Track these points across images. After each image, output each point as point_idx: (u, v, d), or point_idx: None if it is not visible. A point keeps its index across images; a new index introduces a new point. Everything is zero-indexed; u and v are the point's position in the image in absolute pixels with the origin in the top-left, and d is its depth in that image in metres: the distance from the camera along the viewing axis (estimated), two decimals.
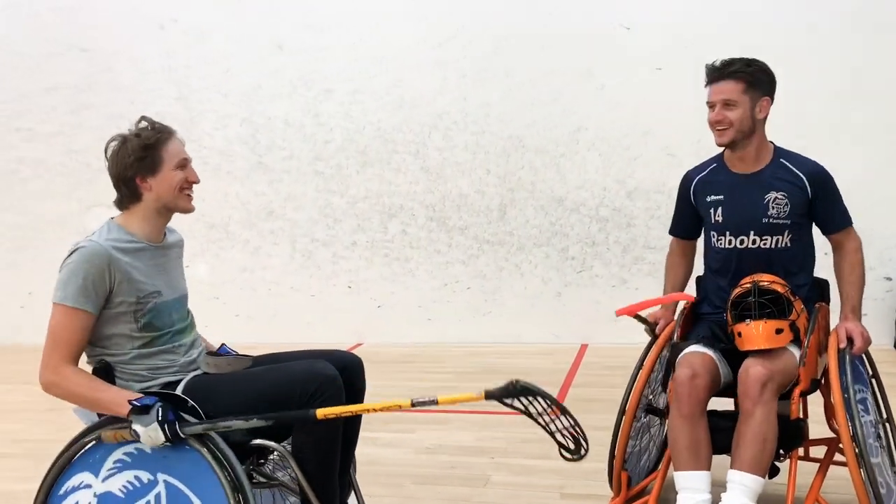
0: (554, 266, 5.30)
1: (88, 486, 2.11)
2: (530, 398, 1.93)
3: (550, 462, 3.09)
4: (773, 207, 2.49)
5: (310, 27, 5.44)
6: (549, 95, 5.17)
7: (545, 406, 1.93)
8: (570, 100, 5.14)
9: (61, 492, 2.12)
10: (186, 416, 2.08)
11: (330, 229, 5.60)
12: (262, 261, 5.65)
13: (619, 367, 2.79)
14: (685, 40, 4.89)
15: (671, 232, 2.83)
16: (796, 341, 2.37)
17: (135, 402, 2.03)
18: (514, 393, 1.94)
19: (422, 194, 5.45)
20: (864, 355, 2.52)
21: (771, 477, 2.38)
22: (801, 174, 2.48)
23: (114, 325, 2.15)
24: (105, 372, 2.17)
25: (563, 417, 1.95)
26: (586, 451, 1.99)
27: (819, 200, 2.48)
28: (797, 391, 2.33)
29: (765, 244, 2.51)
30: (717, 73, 2.49)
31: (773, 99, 2.51)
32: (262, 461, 2.32)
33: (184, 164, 2.23)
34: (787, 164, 2.50)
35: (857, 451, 2.16)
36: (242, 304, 5.60)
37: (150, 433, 2.01)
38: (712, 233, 2.61)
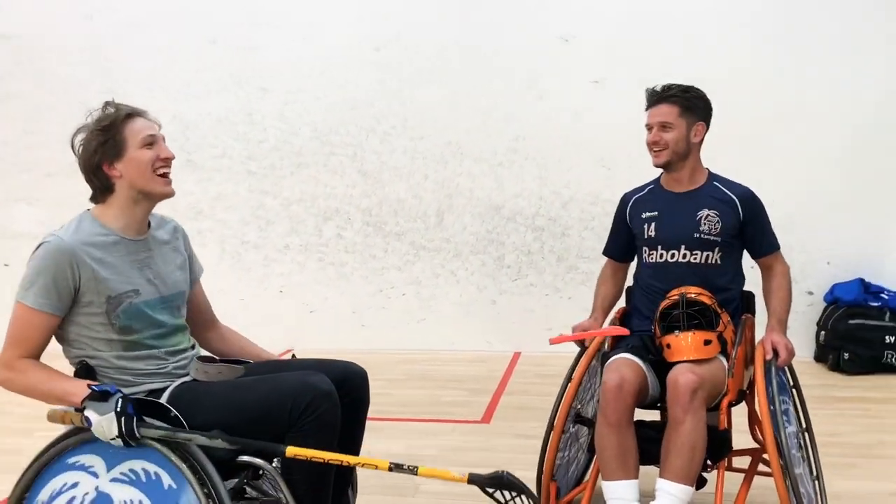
0: (490, 274, 5.31)
1: (79, 484, 1.92)
2: (514, 494, 1.85)
3: (480, 470, 3.06)
4: (704, 224, 2.57)
5: (246, 23, 5.32)
6: (488, 104, 5.18)
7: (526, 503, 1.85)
8: (509, 109, 5.16)
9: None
10: (151, 420, 1.91)
11: (262, 231, 5.47)
12: None
13: (552, 375, 2.80)
14: (622, 54, 4.98)
15: (605, 252, 2.89)
16: (724, 352, 2.41)
17: (94, 387, 1.88)
18: (499, 484, 1.86)
19: (358, 198, 5.38)
20: (786, 367, 2.58)
21: (698, 488, 2.39)
22: (733, 196, 2.59)
23: (88, 327, 2.00)
24: (86, 374, 2.01)
25: None
26: None
27: (749, 224, 2.58)
28: (725, 401, 2.37)
29: (695, 258, 2.58)
30: (655, 97, 2.61)
31: (708, 125, 2.63)
32: (260, 475, 2.11)
33: (151, 140, 2.06)
34: (720, 186, 2.62)
35: (781, 461, 2.19)
36: None
37: (104, 423, 1.84)
38: (644, 248, 2.68)
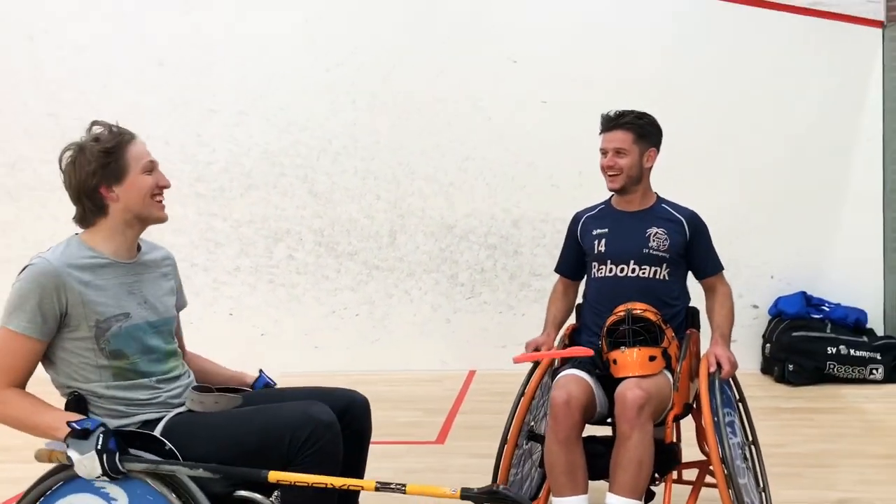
0: (443, 292, 5.32)
1: None
2: None
3: None
4: (653, 240, 2.65)
5: (193, 44, 5.26)
6: (438, 125, 5.21)
7: None
8: (459, 129, 5.20)
9: None
10: (139, 453, 1.85)
11: (211, 254, 5.39)
12: None
13: (506, 393, 2.80)
14: (569, 75, 5.07)
15: (557, 269, 2.94)
16: (668, 367, 2.46)
17: (74, 425, 1.80)
18: (494, 499, 1.84)
19: (309, 219, 5.34)
20: (731, 379, 2.64)
21: (647, 501, 2.42)
22: (681, 217, 2.69)
23: (77, 353, 1.92)
24: (77, 406, 1.93)
25: None
26: None
27: (694, 245, 2.68)
28: (671, 415, 2.41)
29: (643, 273, 2.64)
30: (611, 123, 2.69)
31: (658, 150, 2.73)
32: None
33: (151, 167, 2.03)
34: (668, 207, 2.73)
35: (726, 472, 2.24)
36: None
37: (86, 462, 1.78)
38: (594, 263, 2.74)
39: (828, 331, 4.77)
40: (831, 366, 4.70)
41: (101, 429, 1.82)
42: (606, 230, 2.72)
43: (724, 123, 5.02)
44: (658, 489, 2.49)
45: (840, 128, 5.02)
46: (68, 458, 1.82)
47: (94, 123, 2.03)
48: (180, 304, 2.29)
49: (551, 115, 5.10)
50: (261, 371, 2.26)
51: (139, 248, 2.10)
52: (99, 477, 1.81)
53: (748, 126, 5.00)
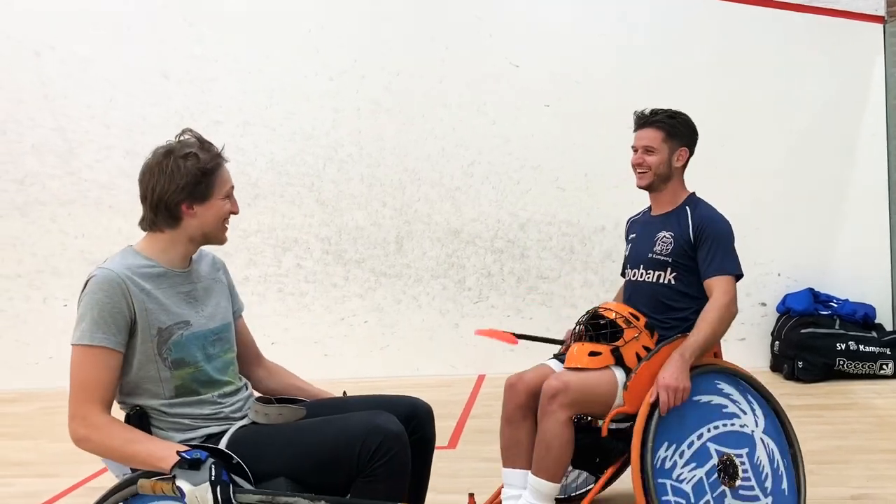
0: (451, 297, 5.33)
1: None
2: None
3: (447, 496, 3.06)
4: (658, 245, 2.68)
5: (198, 57, 5.31)
6: (442, 130, 5.24)
7: None
8: (464, 134, 5.23)
9: None
10: (239, 480, 1.81)
11: None
12: None
13: None
14: (572, 78, 5.10)
15: (621, 273, 2.99)
16: (623, 366, 2.50)
17: (184, 455, 1.76)
18: None
19: (317, 227, 5.37)
20: (756, 387, 2.58)
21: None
22: (690, 222, 2.65)
23: (140, 367, 1.89)
24: (139, 420, 1.89)
25: None
26: None
27: (699, 248, 2.62)
28: (613, 413, 2.45)
29: (650, 278, 2.69)
30: (641, 121, 2.72)
31: (692, 150, 2.74)
32: None
33: (230, 193, 2.05)
34: (688, 210, 2.68)
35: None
36: None
37: (199, 493, 1.72)
38: (625, 267, 2.87)
39: (836, 327, 4.76)
40: (841, 362, 4.69)
41: (212, 460, 1.78)
42: (635, 235, 2.82)
43: (727, 123, 5.02)
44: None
45: (843, 124, 5.02)
46: (177, 489, 1.75)
47: (186, 131, 2.03)
48: (238, 306, 2.25)
49: (555, 119, 5.12)
50: (344, 393, 2.20)
51: (191, 260, 2.10)
52: None
53: (751, 125, 5.01)
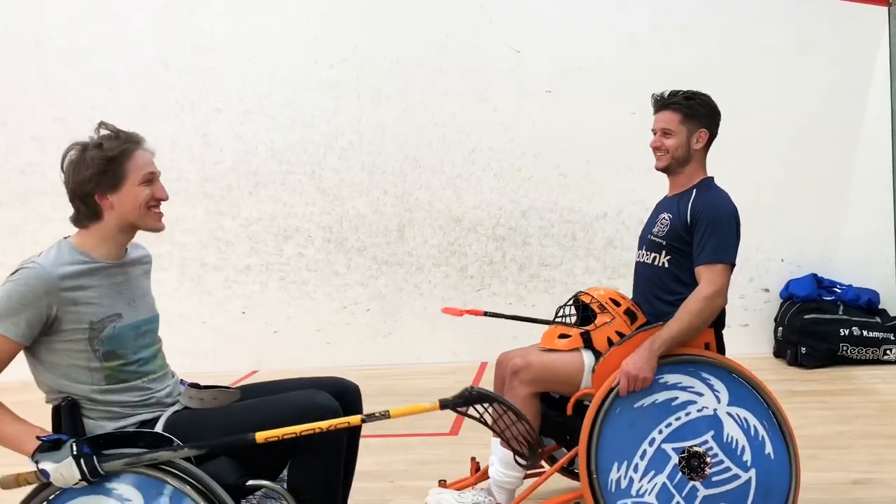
0: (453, 285, 5.33)
1: None
2: (485, 405, 1.93)
3: (451, 482, 3.07)
4: (657, 226, 2.65)
5: (197, 45, 5.28)
6: (443, 117, 5.21)
7: (500, 412, 1.95)
8: (465, 121, 5.20)
9: None
10: (110, 452, 1.86)
11: (221, 253, 5.42)
12: None
13: None
14: (573, 65, 5.07)
15: None
16: (592, 349, 2.54)
17: (43, 438, 1.81)
18: (469, 401, 1.92)
19: (318, 215, 5.36)
20: (749, 382, 2.49)
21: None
22: (690, 203, 2.58)
23: (69, 356, 1.91)
24: (71, 411, 1.92)
25: (518, 424, 1.98)
26: (540, 454, 2.07)
27: (695, 233, 2.55)
28: (579, 394, 2.50)
29: (647, 258, 2.67)
30: (660, 104, 2.68)
31: (712, 131, 2.67)
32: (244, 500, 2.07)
33: (151, 178, 2.01)
34: (694, 193, 2.61)
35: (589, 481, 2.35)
36: None
37: (62, 470, 1.78)
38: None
39: (840, 312, 4.75)
40: (844, 347, 4.68)
41: (73, 439, 1.83)
42: (650, 216, 2.80)
43: (730, 108, 4.90)
44: None
45: (847, 109, 4.98)
46: (40, 472, 1.79)
47: (102, 125, 2.01)
48: None
49: (556, 105, 5.09)
50: (182, 380, 2.23)
51: (126, 249, 2.11)
52: (77, 483, 1.80)
53: (755, 109, 4.97)
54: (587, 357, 2.53)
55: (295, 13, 5.24)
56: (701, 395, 2.42)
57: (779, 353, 4.92)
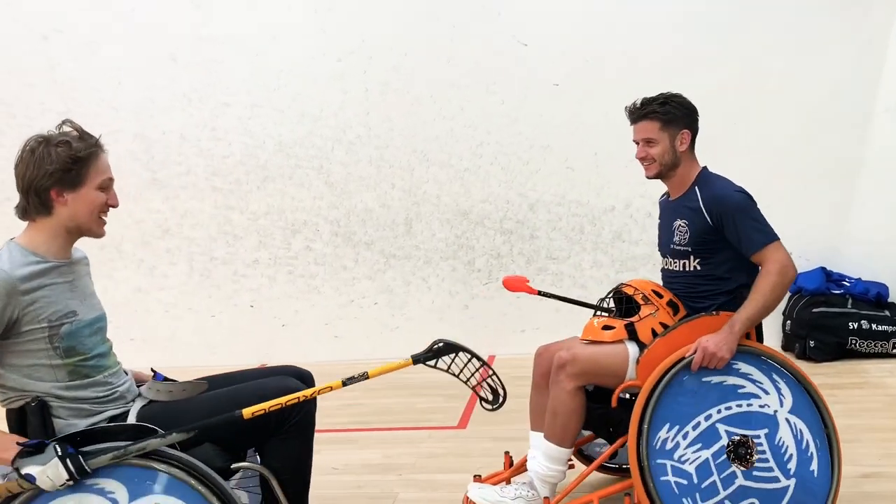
0: (461, 279, 5.33)
1: None
2: (453, 356, 2.10)
3: (458, 476, 3.08)
4: (676, 234, 2.66)
5: (204, 38, 5.28)
6: (451, 110, 5.21)
7: (465, 360, 2.11)
8: (472, 114, 5.19)
9: None
10: (87, 449, 1.87)
11: (230, 246, 5.44)
12: (158, 281, 5.42)
13: (526, 378, 2.83)
14: (581, 57, 5.05)
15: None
16: (637, 341, 2.55)
17: (24, 444, 1.81)
18: (439, 352, 2.10)
19: (326, 209, 5.37)
20: (788, 369, 2.51)
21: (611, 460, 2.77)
22: (701, 205, 2.58)
23: (30, 356, 1.93)
24: (40, 410, 1.92)
25: (482, 370, 2.12)
26: (503, 400, 2.18)
27: (725, 228, 2.54)
28: (624, 385, 2.51)
29: (675, 267, 2.69)
30: (635, 115, 2.68)
31: (693, 130, 2.67)
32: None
33: (108, 184, 2.05)
34: (697, 191, 2.62)
35: (639, 465, 2.37)
36: (137, 327, 5.34)
37: (49, 472, 1.77)
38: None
39: (849, 306, 4.73)
40: (853, 341, 4.67)
41: (54, 440, 1.84)
42: (660, 221, 2.82)
43: (738, 99, 4.97)
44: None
45: (856, 100, 4.95)
46: (25, 477, 1.78)
47: (67, 122, 2.03)
48: None
49: (564, 98, 5.08)
50: (154, 370, 2.27)
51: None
52: (64, 484, 1.80)
53: (762, 102, 4.95)
54: (632, 348, 2.53)
55: (303, 6, 5.23)
56: (767, 392, 2.48)
57: (787, 346, 4.91)
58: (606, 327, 2.59)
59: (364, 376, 2.05)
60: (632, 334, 2.55)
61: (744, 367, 2.48)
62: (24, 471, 1.79)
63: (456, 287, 5.33)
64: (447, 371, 2.09)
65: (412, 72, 5.20)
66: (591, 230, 5.22)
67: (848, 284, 4.88)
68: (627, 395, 2.54)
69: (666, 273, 2.75)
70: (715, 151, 4.78)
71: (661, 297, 2.61)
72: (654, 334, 2.53)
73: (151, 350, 5.23)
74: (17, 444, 1.82)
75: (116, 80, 5.35)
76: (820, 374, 4.45)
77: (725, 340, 2.40)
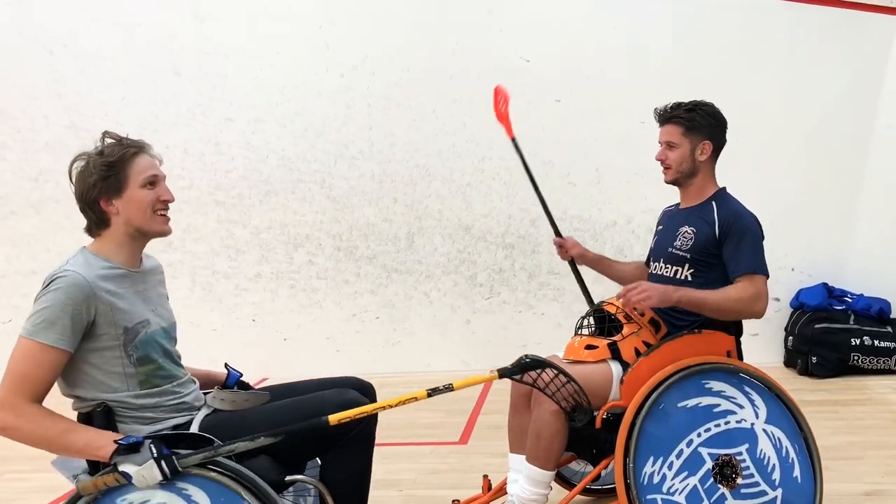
0: (462, 293, 5.33)
1: None
2: (538, 372, 2.09)
3: (459, 492, 3.07)
4: (679, 239, 2.64)
5: (208, 53, 5.32)
6: (453, 125, 5.23)
7: (552, 376, 2.10)
8: (474, 130, 5.21)
9: None
10: (177, 450, 1.90)
11: (232, 261, 5.44)
12: None
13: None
14: (582, 73, 5.07)
15: (646, 262, 2.96)
16: (619, 360, 2.52)
17: (121, 442, 1.84)
18: (524, 368, 2.08)
19: (328, 224, 5.38)
20: (758, 381, 2.50)
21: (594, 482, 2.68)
22: (717, 217, 2.59)
23: (104, 363, 1.94)
24: (105, 417, 1.94)
25: (567, 385, 2.11)
26: (587, 414, 2.20)
27: (726, 243, 2.56)
28: (608, 406, 2.47)
29: (667, 272, 2.67)
30: (662, 117, 2.70)
31: (717, 141, 2.67)
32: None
33: (153, 180, 2.04)
34: (714, 206, 2.63)
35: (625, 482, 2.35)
36: None
37: (144, 472, 1.80)
38: (649, 258, 2.86)
39: (851, 322, 4.72)
40: (855, 357, 4.66)
41: (150, 440, 1.86)
42: (662, 227, 2.80)
43: (740, 116, 4.93)
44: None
45: (857, 117, 4.97)
46: (121, 474, 1.82)
47: (105, 134, 2.05)
48: None
49: (566, 113, 5.10)
50: (227, 365, 2.34)
51: (141, 259, 2.14)
52: (157, 483, 1.83)
53: (764, 118, 4.97)
54: (615, 368, 2.51)
55: (306, 22, 5.27)
56: (742, 406, 2.46)
57: (789, 362, 4.90)
58: (589, 346, 2.56)
59: (449, 388, 2.05)
60: (615, 353, 2.52)
61: (715, 384, 2.46)
62: (121, 468, 1.82)
63: (458, 302, 5.33)
64: (532, 385, 2.10)
65: (415, 87, 5.23)
66: (593, 245, 5.22)
67: (850, 300, 4.87)
68: (609, 416, 2.50)
69: (654, 279, 2.71)
70: (719, 166, 4.84)
71: (643, 315, 2.58)
72: (638, 353, 2.51)
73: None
74: (115, 441, 1.85)
75: (121, 95, 5.38)
76: (822, 391, 4.45)
77: (661, 292, 2.42)
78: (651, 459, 2.37)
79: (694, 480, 2.39)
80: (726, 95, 4.92)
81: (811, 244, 5.04)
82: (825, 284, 4.96)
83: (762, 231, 2.60)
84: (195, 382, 2.20)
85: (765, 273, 2.52)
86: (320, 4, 5.29)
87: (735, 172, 4.85)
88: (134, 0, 5.35)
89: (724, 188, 2.71)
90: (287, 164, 5.35)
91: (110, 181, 1.98)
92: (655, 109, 2.71)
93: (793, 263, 5.07)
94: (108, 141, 2.04)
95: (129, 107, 5.37)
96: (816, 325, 4.72)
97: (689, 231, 2.61)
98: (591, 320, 2.68)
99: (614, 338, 2.55)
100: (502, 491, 2.68)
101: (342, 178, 5.34)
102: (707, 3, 5.04)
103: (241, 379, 2.34)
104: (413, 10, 5.23)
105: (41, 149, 5.38)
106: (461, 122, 5.22)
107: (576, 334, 2.68)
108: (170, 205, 2.09)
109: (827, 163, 4.98)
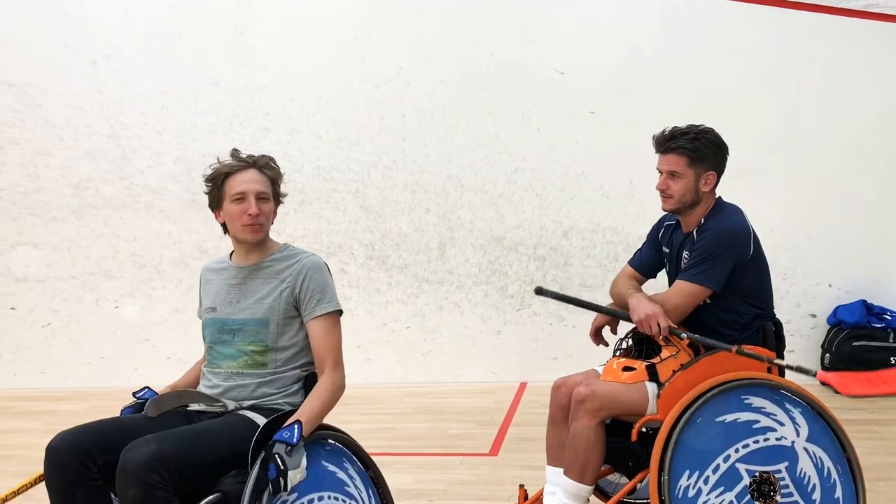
0: (493, 304, 5.32)
1: None
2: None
3: (478, 503, 3.06)
4: (683, 267, 2.62)
5: (247, 65, 5.41)
6: (486, 137, 5.24)
7: None
8: (507, 141, 5.22)
9: None
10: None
11: None
12: (196, 302, 5.48)
13: None
14: (617, 85, 5.06)
15: (629, 261, 2.91)
16: (656, 380, 2.49)
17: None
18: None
19: (361, 233, 5.42)
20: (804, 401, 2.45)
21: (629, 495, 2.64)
22: (696, 236, 2.58)
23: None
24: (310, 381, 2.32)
25: None
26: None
27: (693, 248, 2.55)
28: (644, 420, 2.46)
29: None
30: (663, 146, 2.58)
31: (720, 171, 2.59)
32: None
33: (241, 197, 2.28)
34: (704, 225, 2.59)
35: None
36: (174, 347, 5.41)
37: (300, 475, 2.04)
38: (645, 267, 2.85)
39: (890, 340, 4.63)
40: None
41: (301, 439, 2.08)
42: (668, 251, 2.73)
43: (779, 129, 4.93)
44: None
45: None
46: (278, 484, 1.99)
47: (233, 152, 2.39)
48: (305, 312, 2.33)
49: (600, 125, 5.08)
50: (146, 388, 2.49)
51: (271, 254, 2.37)
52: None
53: (803, 132, 4.90)
54: (651, 388, 2.48)
55: (342, 34, 5.33)
56: (782, 424, 2.41)
57: None
58: (627, 368, 2.53)
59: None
60: (652, 376, 2.49)
61: (755, 400, 2.41)
62: (290, 475, 2.00)
63: (488, 312, 5.33)
64: None
65: (448, 99, 5.25)
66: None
67: (889, 318, 4.78)
68: (646, 430, 2.48)
69: None
70: (755, 183, 4.78)
71: (681, 337, 2.52)
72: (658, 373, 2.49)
73: (187, 370, 5.29)
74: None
75: (161, 105, 5.49)
76: (860, 410, 4.35)
77: (652, 311, 2.50)
78: (687, 473, 2.34)
79: (730, 496, 2.35)
80: (763, 108, 4.94)
81: (850, 260, 4.94)
82: (864, 301, 4.86)
83: (734, 246, 2.52)
84: (250, 386, 2.30)
85: (709, 285, 2.51)
86: (356, 18, 5.35)
87: (774, 185, 4.85)
88: (177, 14, 5.46)
89: (719, 198, 2.63)
90: (322, 173, 5.41)
91: (213, 195, 2.33)
92: (654, 136, 2.61)
93: (830, 279, 4.98)
94: (225, 160, 2.35)
95: (168, 116, 5.48)
96: (854, 343, 4.63)
97: (687, 258, 2.60)
98: (630, 342, 2.64)
99: (653, 360, 2.52)
100: (539, 502, 2.67)
101: (375, 187, 5.38)
102: (742, 18, 4.99)
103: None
104: (448, 23, 5.26)
105: (82, 157, 5.50)
106: (494, 133, 5.23)
107: (614, 356, 2.64)
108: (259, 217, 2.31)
109: (867, 177, 4.90)
